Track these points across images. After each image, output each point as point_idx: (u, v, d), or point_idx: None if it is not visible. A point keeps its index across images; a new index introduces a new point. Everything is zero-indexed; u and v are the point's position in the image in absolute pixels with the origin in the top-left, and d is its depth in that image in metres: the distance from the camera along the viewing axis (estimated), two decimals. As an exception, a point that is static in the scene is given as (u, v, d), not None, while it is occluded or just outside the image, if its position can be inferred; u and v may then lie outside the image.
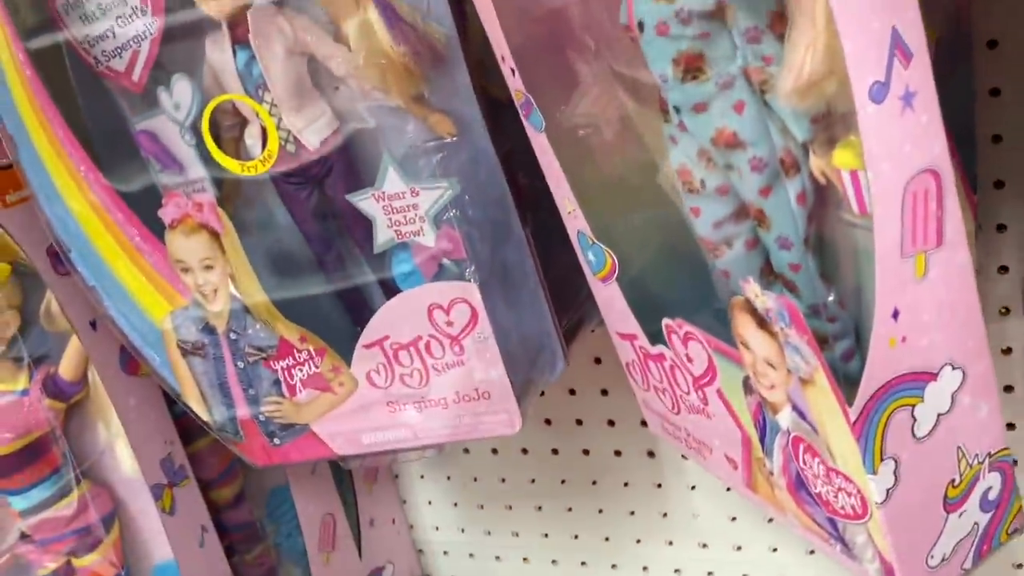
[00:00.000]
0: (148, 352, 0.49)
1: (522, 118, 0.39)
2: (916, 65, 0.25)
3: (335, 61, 0.42)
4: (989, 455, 0.31)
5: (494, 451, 0.69)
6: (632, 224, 0.39)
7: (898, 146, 0.26)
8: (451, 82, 0.41)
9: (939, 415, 0.30)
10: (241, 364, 0.47)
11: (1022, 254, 0.50)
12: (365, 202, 0.43)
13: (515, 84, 0.38)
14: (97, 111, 0.46)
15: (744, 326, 0.31)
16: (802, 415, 0.31)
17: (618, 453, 0.65)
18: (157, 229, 0.46)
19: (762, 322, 0.31)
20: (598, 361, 0.62)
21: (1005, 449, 0.31)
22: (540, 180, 0.42)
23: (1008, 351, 0.52)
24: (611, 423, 0.64)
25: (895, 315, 0.27)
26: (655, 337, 0.40)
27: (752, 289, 0.30)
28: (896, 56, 0.25)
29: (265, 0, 0.41)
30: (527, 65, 0.37)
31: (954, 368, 0.29)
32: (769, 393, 0.32)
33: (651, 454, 0.64)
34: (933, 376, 0.29)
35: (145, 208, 0.46)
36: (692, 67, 0.31)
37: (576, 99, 0.40)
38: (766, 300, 0.30)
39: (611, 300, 0.41)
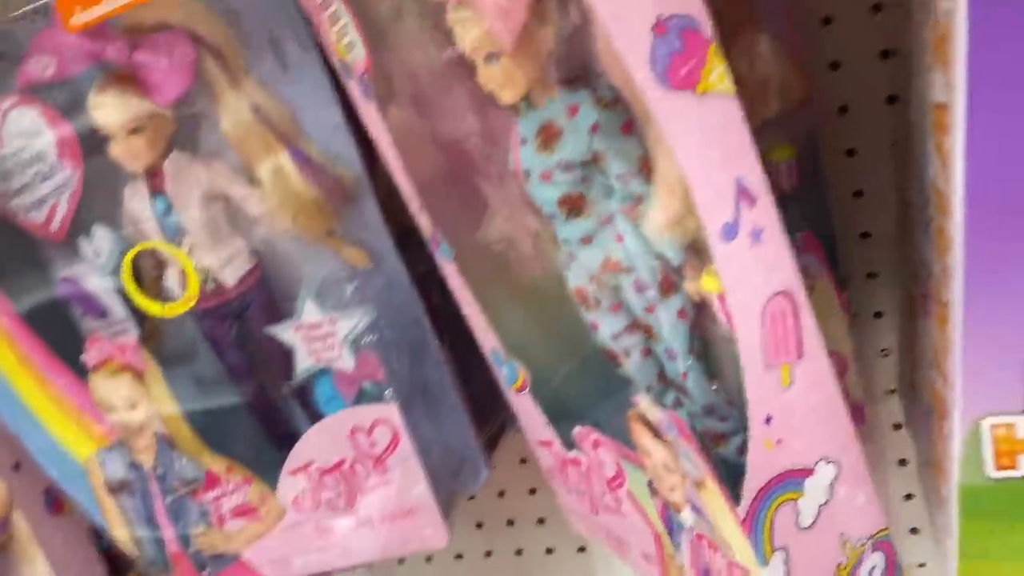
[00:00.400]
0: (74, 491, 0.50)
1: (433, 251, 0.42)
2: (760, 205, 0.29)
3: (250, 202, 0.44)
4: (870, 537, 0.34)
5: (428, 559, 0.70)
6: (540, 337, 0.42)
7: (751, 275, 0.29)
8: (362, 217, 0.44)
9: (820, 506, 0.33)
10: (169, 498, 0.48)
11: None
12: (285, 333, 0.45)
13: (423, 221, 0.41)
14: (15, 259, 0.47)
15: (641, 436, 0.34)
16: (700, 513, 0.34)
17: (550, 551, 0.66)
18: (80, 371, 0.47)
19: (656, 432, 0.34)
20: (524, 461, 0.64)
21: (884, 530, 0.35)
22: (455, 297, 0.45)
23: (898, 427, 0.56)
24: (541, 521, 0.66)
25: (768, 421, 0.31)
26: (571, 443, 0.42)
27: (643, 403, 0.33)
28: (742, 200, 0.29)
29: (181, 152, 0.43)
30: (437, 193, 0.40)
31: (828, 462, 0.32)
32: (670, 494, 0.35)
33: (582, 549, 0.66)
34: (810, 472, 0.32)
35: (67, 351, 0.47)
36: (575, 207, 0.35)
37: (487, 222, 0.43)
38: (656, 412, 0.33)
39: (527, 410, 0.44)
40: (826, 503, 0.33)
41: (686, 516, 0.35)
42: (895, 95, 0.52)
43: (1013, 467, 0.30)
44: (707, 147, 0.28)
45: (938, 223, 0.30)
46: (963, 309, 0.27)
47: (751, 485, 0.31)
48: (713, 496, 0.32)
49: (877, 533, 0.34)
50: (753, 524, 0.31)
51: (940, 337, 0.31)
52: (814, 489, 0.32)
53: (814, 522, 0.33)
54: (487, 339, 0.44)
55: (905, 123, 0.46)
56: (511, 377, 0.44)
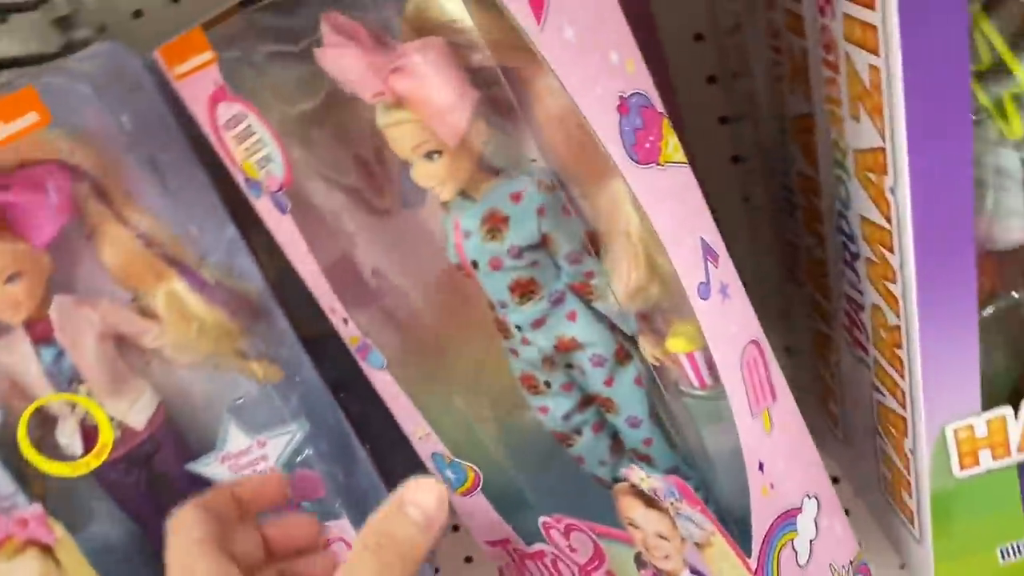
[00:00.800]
0: None
1: (360, 361, 0.41)
2: (722, 262, 0.31)
3: (148, 336, 0.41)
4: (851, 562, 0.36)
5: None
6: (486, 432, 0.41)
7: (726, 329, 0.31)
8: (271, 330, 0.42)
9: (811, 541, 0.34)
10: None
11: (796, 373, 0.58)
12: (209, 467, 0.41)
13: (349, 332, 0.40)
14: None
15: (632, 508, 0.34)
16: (700, 575, 0.34)
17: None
18: (-39, 565, 0.40)
19: (650, 501, 0.34)
20: (437, 572, 0.62)
21: (860, 554, 0.36)
22: (370, 403, 0.43)
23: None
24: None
25: (761, 468, 0.32)
26: (531, 536, 0.41)
27: (636, 474, 0.33)
28: (708, 259, 0.30)
29: (63, 294, 0.39)
30: (362, 302, 0.39)
31: (810, 497, 0.34)
32: (664, 563, 0.35)
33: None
34: (799, 509, 0.33)
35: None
36: (526, 291, 0.35)
37: (394, 325, 0.42)
38: (652, 481, 0.33)
39: (478, 511, 0.42)
40: (815, 537, 0.34)
41: (682, 581, 0.35)
42: (738, 156, 0.57)
43: (976, 464, 0.33)
44: (676, 214, 0.29)
45: (871, 255, 0.32)
46: (919, 328, 0.30)
47: (757, 534, 0.32)
48: (720, 554, 0.32)
49: (856, 558, 0.36)
50: (764, 573, 0.32)
51: (891, 358, 0.33)
52: (805, 526, 0.33)
53: (809, 559, 0.34)
54: (426, 445, 0.42)
55: (763, 177, 0.51)
56: (458, 480, 0.42)
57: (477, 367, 0.40)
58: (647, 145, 0.28)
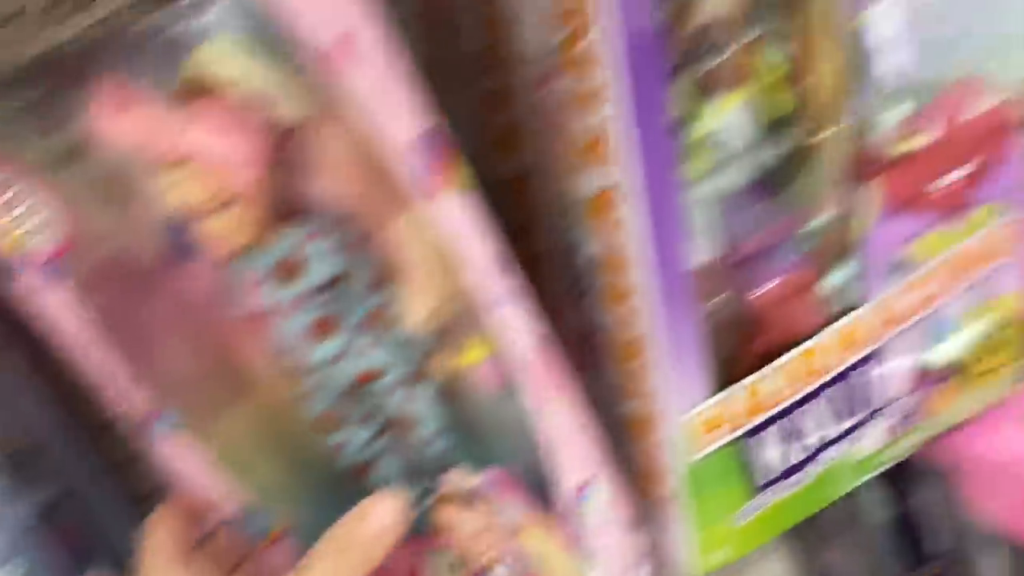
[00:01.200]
0: None
1: (147, 431, 0.39)
2: (510, 271, 0.35)
3: None
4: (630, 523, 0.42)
5: None
6: (284, 482, 0.41)
7: (520, 330, 0.35)
8: None
9: (605, 504, 0.39)
10: None
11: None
12: None
13: (134, 401, 0.38)
14: None
15: (448, 515, 0.37)
16: (519, 560, 0.38)
17: None
18: None
19: (466, 503, 0.37)
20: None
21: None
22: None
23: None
24: None
25: (566, 450, 0.36)
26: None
27: (455, 476, 0.36)
28: (500, 270, 0.35)
29: None
30: (156, 366, 0.38)
31: (599, 467, 0.39)
32: (480, 559, 0.38)
33: None
34: (594, 478, 0.39)
35: None
36: (326, 328, 0.37)
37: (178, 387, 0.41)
38: (472, 480, 0.36)
39: (281, 566, 0.42)
40: (608, 501, 0.39)
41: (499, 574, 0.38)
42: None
43: (712, 442, 0.41)
44: (471, 233, 0.33)
45: (609, 281, 0.39)
46: (665, 335, 0.37)
47: (567, 509, 0.36)
48: (538, 535, 0.36)
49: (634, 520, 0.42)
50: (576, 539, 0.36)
51: (636, 368, 0.40)
52: (598, 492, 0.39)
53: (605, 521, 0.39)
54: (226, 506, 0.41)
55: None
56: (261, 534, 0.42)
57: (266, 417, 0.41)
58: (440, 172, 0.32)
